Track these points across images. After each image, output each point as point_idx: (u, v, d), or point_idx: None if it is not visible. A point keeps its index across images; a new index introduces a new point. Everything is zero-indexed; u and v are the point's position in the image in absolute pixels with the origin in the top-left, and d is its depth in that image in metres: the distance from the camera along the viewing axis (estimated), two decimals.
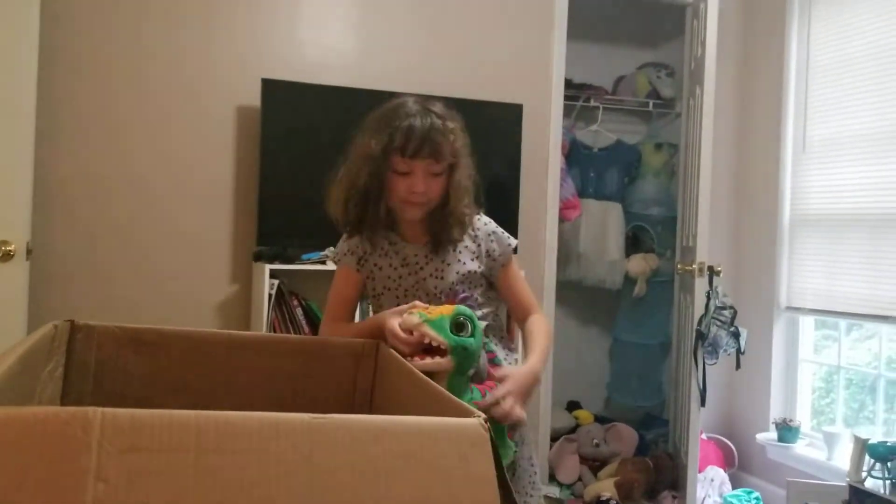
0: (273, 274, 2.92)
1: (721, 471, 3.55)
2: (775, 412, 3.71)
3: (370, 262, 1.71)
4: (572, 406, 4.03)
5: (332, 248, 2.99)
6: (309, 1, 3.30)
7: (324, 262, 2.96)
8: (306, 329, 2.97)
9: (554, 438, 3.64)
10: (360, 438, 0.78)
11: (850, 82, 3.41)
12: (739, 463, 3.83)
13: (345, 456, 0.77)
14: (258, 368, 1.34)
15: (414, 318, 1.37)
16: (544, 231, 3.63)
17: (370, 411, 1.37)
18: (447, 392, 1.02)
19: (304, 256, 2.96)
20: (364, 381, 1.39)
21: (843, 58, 3.46)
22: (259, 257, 2.98)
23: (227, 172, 3.17)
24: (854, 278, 3.34)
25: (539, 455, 3.59)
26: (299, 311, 2.99)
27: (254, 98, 3.10)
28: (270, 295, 2.92)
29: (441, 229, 1.66)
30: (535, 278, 3.54)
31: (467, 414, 0.89)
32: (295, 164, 3.11)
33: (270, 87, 3.07)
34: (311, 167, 3.12)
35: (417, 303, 1.46)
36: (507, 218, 3.42)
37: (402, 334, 1.37)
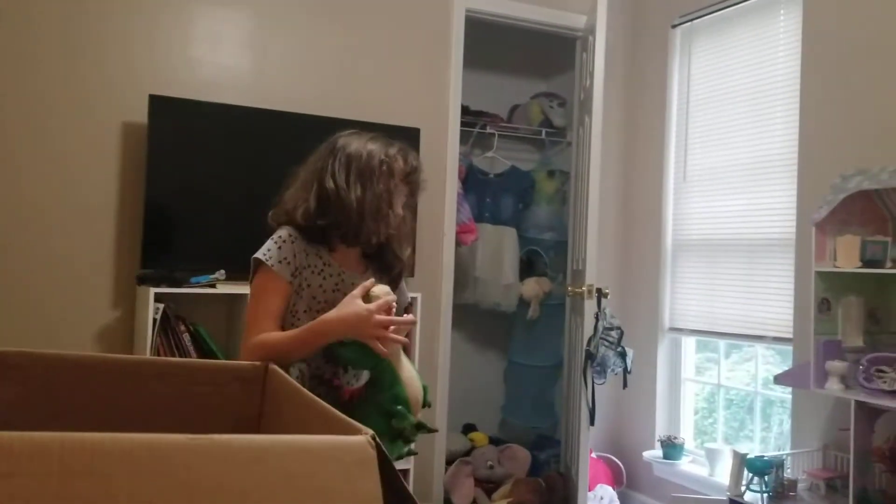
0: (158, 298, 2.80)
1: (610, 489, 3.65)
2: (660, 430, 3.85)
3: (302, 276, 1.63)
4: (468, 429, 4.05)
5: (221, 271, 2.94)
6: (203, 18, 3.23)
7: (213, 286, 2.87)
8: (195, 356, 2.86)
9: (449, 461, 3.64)
10: (240, 459, 0.75)
11: (726, 115, 3.63)
12: (627, 480, 3.94)
13: (224, 478, 0.74)
14: (135, 393, 1.27)
15: (381, 289, 1.55)
16: (441, 255, 3.66)
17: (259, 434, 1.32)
18: (337, 413, 1.00)
19: (193, 280, 2.86)
20: (251, 406, 1.35)
21: (720, 92, 3.67)
22: (143, 280, 2.86)
23: (110, 191, 3.04)
24: (731, 300, 3.52)
25: (434, 478, 3.58)
26: (187, 338, 2.88)
27: (141, 114, 2.99)
28: (155, 320, 2.80)
29: (389, 262, 1.73)
30: (432, 301, 3.56)
31: (355, 431, 0.87)
32: (184, 183, 3.01)
33: (159, 104, 2.97)
34: (201, 187, 3.06)
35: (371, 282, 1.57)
36: None
37: (377, 307, 1.49)
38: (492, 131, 4.21)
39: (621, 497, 3.90)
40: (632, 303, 4.09)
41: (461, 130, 3.81)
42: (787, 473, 2.81)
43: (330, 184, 1.64)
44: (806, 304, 2.71)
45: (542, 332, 4.16)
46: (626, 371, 3.38)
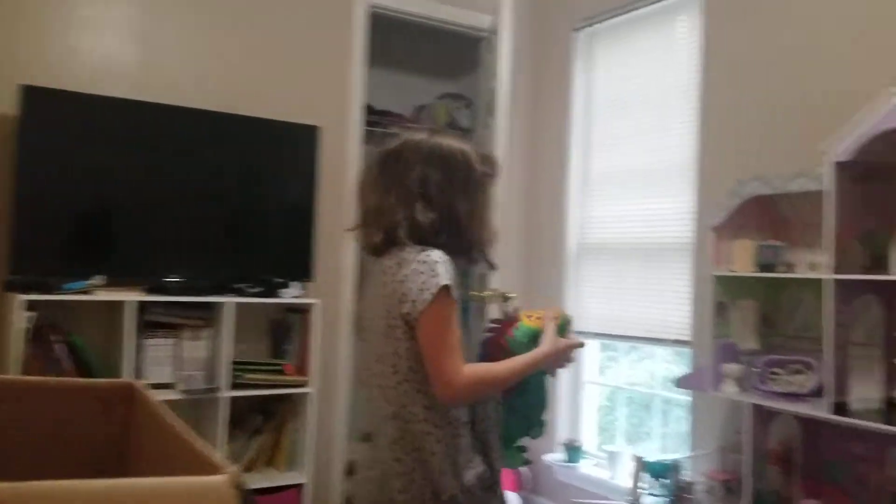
0: (31, 306, 2.57)
1: (514, 494, 3.61)
2: (562, 433, 3.85)
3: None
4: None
5: (100, 276, 2.73)
6: (83, 6, 3.00)
7: (89, 292, 2.66)
8: (70, 369, 2.63)
9: (351, 471, 3.52)
10: None
11: (628, 120, 3.66)
12: (531, 485, 3.92)
13: None
14: None
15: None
16: (342, 258, 3.53)
17: (119, 462, 1.19)
18: (199, 442, 0.89)
19: (67, 286, 2.63)
20: (112, 429, 1.21)
21: (622, 97, 3.70)
22: (11, 286, 2.61)
23: None
24: (632, 304, 3.55)
25: (332, 490, 3.45)
26: (62, 349, 2.65)
27: (10, 106, 2.74)
28: (28, 329, 2.57)
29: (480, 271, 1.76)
30: (333, 307, 3.43)
31: (215, 469, 0.76)
32: (59, 180, 2.78)
33: (31, 95, 2.73)
34: (79, 185, 2.84)
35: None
36: (303, 244, 3.29)
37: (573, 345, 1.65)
38: (396, 132, 4.11)
39: (525, 502, 3.88)
40: (536, 306, 4.06)
41: (365, 130, 3.69)
42: (686, 476, 2.84)
43: (439, 195, 1.54)
44: (704, 308, 2.74)
45: None
46: None
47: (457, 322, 1.48)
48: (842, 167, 2.23)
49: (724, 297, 2.65)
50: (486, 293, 1.52)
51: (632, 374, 3.78)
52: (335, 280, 3.48)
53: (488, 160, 1.64)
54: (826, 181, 2.25)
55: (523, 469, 3.89)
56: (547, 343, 1.59)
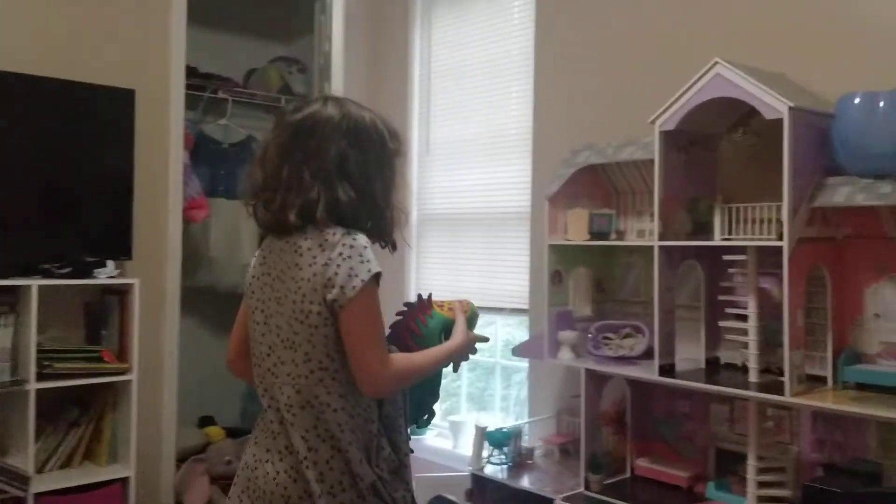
0: None
1: None
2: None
3: None
4: (205, 422, 3.72)
5: None
6: None
7: None
8: None
9: (181, 460, 3.31)
10: None
11: (466, 88, 3.61)
12: None
13: None
14: None
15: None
16: (166, 233, 3.27)
17: None
18: None
19: None
20: None
21: (460, 63, 3.65)
22: None
23: None
24: (473, 274, 3.55)
25: (163, 482, 3.23)
26: None
27: None
28: None
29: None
30: (156, 286, 3.17)
31: None
32: None
33: None
34: None
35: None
36: (119, 219, 3.01)
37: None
38: (225, 97, 3.85)
39: None
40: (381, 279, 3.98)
41: (188, 94, 3.42)
42: (525, 442, 2.88)
43: (357, 174, 1.47)
44: (541, 276, 2.76)
45: None
46: None
47: (379, 309, 1.44)
48: (667, 136, 2.29)
49: (559, 265, 2.68)
50: None
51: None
52: (157, 257, 3.22)
53: (396, 136, 1.58)
54: (654, 150, 2.30)
55: None
56: (459, 335, 1.61)
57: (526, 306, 3.24)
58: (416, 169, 3.86)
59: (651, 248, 2.31)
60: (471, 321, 1.69)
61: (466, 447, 3.30)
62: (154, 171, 3.18)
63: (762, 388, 2.12)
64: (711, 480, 2.37)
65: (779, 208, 2.02)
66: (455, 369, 1.65)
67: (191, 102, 3.52)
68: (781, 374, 2.02)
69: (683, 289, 2.43)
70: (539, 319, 2.92)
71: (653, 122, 2.30)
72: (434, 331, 1.61)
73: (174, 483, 3.24)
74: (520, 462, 2.77)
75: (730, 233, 2.24)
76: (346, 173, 1.46)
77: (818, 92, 2.23)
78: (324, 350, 1.43)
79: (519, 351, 2.86)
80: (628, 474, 2.59)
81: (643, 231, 2.60)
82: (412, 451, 1.59)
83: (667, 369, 2.31)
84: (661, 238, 2.29)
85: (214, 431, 3.59)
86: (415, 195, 3.86)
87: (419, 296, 1.71)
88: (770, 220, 2.10)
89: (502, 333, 3.57)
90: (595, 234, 2.60)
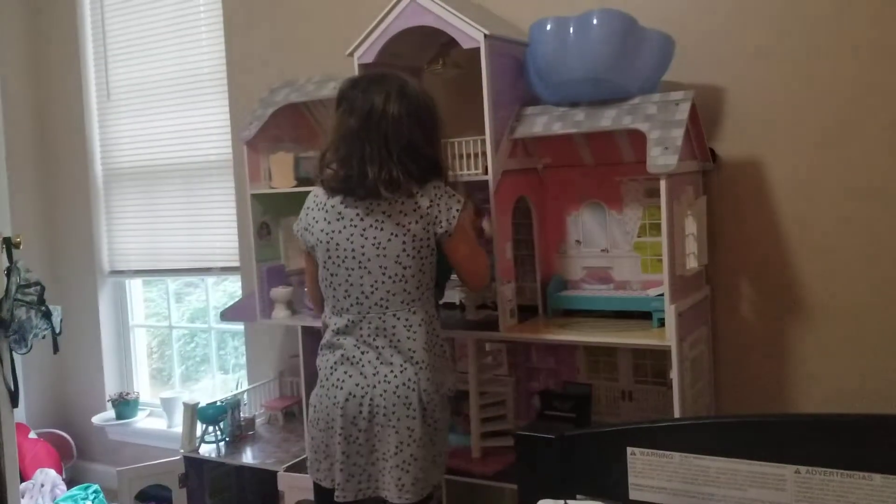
0: None
1: (52, 472, 3.06)
2: (111, 388, 3.37)
3: None
4: None
5: None
6: None
7: None
8: None
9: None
10: None
11: (149, 22, 3.17)
12: (79, 453, 3.39)
13: None
14: None
15: None
16: None
17: None
18: None
19: None
20: None
21: None
22: None
23: None
24: (174, 233, 3.18)
25: None
26: None
27: None
28: None
29: None
30: None
31: None
32: None
33: None
34: None
35: None
36: None
37: None
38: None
39: (75, 472, 3.36)
40: (61, 248, 3.45)
41: None
42: (245, 412, 2.64)
43: (425, 147, 1.77)
44: (248, 230, 2.51)
45: None
46: (54, 333, 2.78)
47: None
48: (367, 69, 2.12)
49: (266, 216, 2.44)
50: None
51: (186, 311, 3.43)
52: None
53: (433, 99, 1.81)
54: None
55: (66, 438, 3.35)
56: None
57: (236, 264, 2.96)
58: (95, 118, 3.35)
59: None
60: None
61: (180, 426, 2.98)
62: None
63: (477, 325, 2.09)
64: None
65: (483, 142, 1.96)
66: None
67: None
68: (497, 308, 1.99)
69: None
70: (252, 277, 2.66)
71: (350, 54, 2.12)
72: None
73: None
74: (239, 435, 2.53)
75: None
76: (413, 146, 1.72)
77: (515, 20, 2.20)
78: (431, 275, 1.79)
79: (228, 314, 2.59)
80: None
81: None
82: None
83: None
84: None
85: None
86: (97, 148, 3.36)
87: None
88: (477, 155, 2.04)
89: (215, 296, 3.26)
90: (303, 180, 2.38)
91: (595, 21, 1.87)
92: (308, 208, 1.85)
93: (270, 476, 2.28)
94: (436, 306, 1.85)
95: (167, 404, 3.15)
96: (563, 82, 1.94)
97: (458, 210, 1.76)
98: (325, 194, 1.80)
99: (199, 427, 2.48)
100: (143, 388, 3.41)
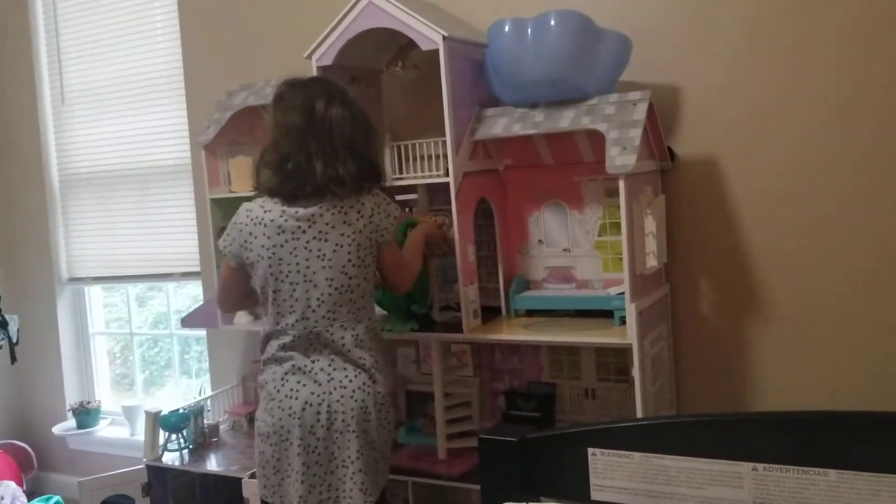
0: None
1: (12, 484, 2.99)
2: (72, 398, 3.31)
3: None
4: None
5: None
6: None
7: None
8: None
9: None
10: None
11: (104, 26, 3.11)
12: (39, 464, 3.33)
13: None
14: None
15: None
16: None
17: None
18: None
19: None
20: None
21: None
22: None
23: None
24: (133, 239, 3.13)
25: None
26: None
27: None
28: None
29: None
30: None
31: None
32: None
33: None
34: None
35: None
36: None
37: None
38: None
39: (36, 483, 3.30)
40: (18, 256, 3.38)
41: None
42: (209, 418, 2.61)
43: (362, 149, 1.78)
44: (208, 235, 2.47)
45: None
46: (11, 343, 2.73)
47: None
48: (326, 72, 2.10)
49: (225, 221, 2.39)
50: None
51: (149, 317, 3.38)
52: None
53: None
54: None
55: (26, 449, 3.28)
56: (418, 228, 1.99)
57: (198, 269, 2.92)
58: (50, 123, 3.28)
59: None
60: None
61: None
62: None
63: (441, 327, 2.08)
64: (402, 425, 2.32)
65: (444, 143, 1.96)
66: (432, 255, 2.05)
67: None
68: (460, 309, 1.99)
69: None
70: (213, 282, 2.63)
71: (309, 56, 2.10)
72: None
73: None
74: (203, 442, 2.50)
75: (400, 172, 2.15)
76: (352, 149, 1.72)
77: (474, 21, 2.20)
78: (373, 282, 1.80)
79: (189, 321, 2.55)
80: None
81: None
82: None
83: None
84: None
85: None
86: (52, 153, 3.29)
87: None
88: (437, 157, 2.04)
89: (178, 300, 3.21)
90: None
91: (552, 22, 1.88)
92: (240, 224, 1.77)
93: (235, 483, 2.26)
94: (374, 308, 1.86)
95: (129, 412, 3.10)
96: (521, 83, 1.95)
97: (395, 218, 1.79)
98: (260, 208, 1.74)
99: (162, 435, 2.44)
100: (104, 395, 3.36)
